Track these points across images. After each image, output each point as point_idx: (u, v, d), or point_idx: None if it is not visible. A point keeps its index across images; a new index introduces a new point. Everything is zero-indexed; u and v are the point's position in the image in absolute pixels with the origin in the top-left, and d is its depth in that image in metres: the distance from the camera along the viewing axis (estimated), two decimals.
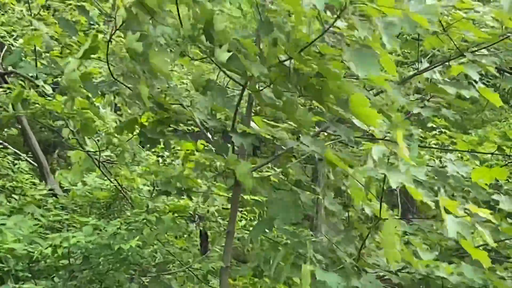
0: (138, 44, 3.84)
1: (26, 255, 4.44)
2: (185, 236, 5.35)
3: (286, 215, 4.34)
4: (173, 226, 5.16)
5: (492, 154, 5.47)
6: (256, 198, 5.22)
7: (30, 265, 4.50)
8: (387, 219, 3.87)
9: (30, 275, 4.41)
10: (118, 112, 5.49)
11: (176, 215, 5.25)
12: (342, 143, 4.88)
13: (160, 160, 5.70)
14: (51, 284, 4.44)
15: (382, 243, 4.20)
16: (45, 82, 5.68)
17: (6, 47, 5.97)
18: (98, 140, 5.44)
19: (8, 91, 5.37)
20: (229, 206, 4.89)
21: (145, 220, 4.65)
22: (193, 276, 4.94)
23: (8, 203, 5.08)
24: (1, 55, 5.98)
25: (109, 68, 4.11)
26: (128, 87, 4.24)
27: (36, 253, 4.30)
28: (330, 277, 4.04)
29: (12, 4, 6.10)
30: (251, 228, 5.20)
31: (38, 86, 5.51)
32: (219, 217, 5.35)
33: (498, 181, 5.02)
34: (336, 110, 3.93)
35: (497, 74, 4.72)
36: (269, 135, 4.35)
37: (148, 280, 4.92)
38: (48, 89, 5.54)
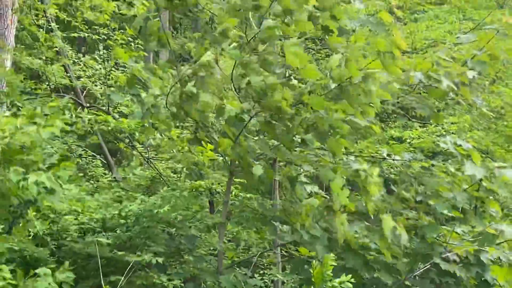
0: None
1: (101, 218, 6.64)
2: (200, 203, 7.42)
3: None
4: (193, 199, 7.23)
5: None
6: (241, 180, 7.25)
7: (103, 224, 6.68)
8: None
9: (101, 230, 6.59)
10: None
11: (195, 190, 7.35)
12: None
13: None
14: (115, 234, 6.60)
15: None
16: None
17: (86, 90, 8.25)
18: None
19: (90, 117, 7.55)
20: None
21: (172, 195, 6.76)
22: (202, 227, 6.96)
23: (89, 185, 7.29)
24: (84, 94, 8.29)
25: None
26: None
27: (107, 216, 6.49)
28: None
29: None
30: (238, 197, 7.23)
31: (109, 113, 7.72)
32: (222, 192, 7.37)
33: None
34: None
35: None
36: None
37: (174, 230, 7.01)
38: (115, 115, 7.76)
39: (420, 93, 5.96)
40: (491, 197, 5.63)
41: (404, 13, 10.71)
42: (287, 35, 5.54)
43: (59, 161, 4.96)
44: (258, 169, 5.74)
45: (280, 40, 5.71)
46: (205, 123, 6.03)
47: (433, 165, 6.27)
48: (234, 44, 5.44)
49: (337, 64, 4.96)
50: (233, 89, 5.68)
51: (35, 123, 4.54)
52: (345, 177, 5.45)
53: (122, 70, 8.24)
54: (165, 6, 5.67)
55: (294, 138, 6.00)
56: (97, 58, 8.47)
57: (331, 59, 5.10)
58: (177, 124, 6.70)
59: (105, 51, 8.23)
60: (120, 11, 7.82)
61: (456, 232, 5.79)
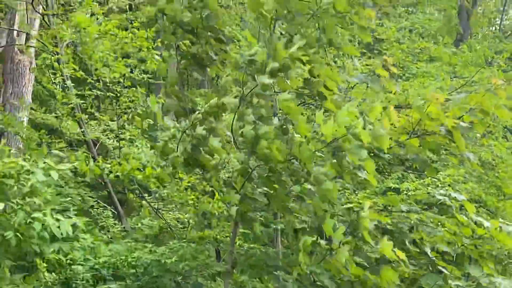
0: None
1: (112, 266, 6.83)
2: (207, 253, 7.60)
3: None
4: (199, 248, 7.43)
5: None
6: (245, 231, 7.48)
7: (113, 272, 6.86)
8: None
9: (112, 279, 6.76)
10: None
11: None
12: None
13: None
14: (125, 284, 6.77)
15: None
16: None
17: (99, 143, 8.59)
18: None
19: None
20: None
21: (181, 246, 6.97)
22: (208, 275, 7.14)
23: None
24: (96, 148, 8.63)
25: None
26: None
27: (118, 264, 6.68)
28: None
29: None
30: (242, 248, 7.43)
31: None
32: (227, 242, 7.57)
33: None
34: None
35: None
36: None
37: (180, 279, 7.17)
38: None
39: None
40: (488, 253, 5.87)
41: (399, 71, 11.14)
42: (283, 90, 5.80)
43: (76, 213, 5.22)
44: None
45: (277, 93, 6.04)
46: (216, 169, 6.22)
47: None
48: (235, 95, 5.74)
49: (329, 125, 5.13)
50: (233, 141, 5.95)
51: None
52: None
53: (134, 126, 8.58)
54: (189, 64, 6.03)
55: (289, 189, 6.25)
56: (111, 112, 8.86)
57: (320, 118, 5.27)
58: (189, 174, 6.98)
59: (117, 106, 8.61)
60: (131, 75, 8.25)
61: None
